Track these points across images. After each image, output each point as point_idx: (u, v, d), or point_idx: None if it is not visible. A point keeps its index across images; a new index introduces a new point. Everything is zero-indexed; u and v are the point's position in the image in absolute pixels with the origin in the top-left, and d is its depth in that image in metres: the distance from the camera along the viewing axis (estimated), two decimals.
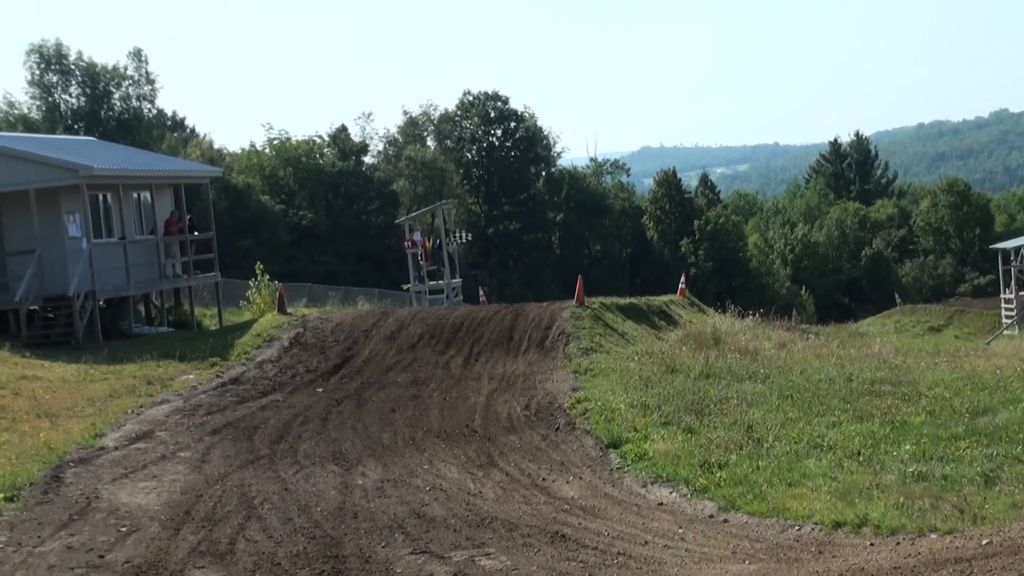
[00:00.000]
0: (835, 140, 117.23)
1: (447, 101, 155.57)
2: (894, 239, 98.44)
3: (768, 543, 10.35)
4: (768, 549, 10.10)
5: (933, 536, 9.78)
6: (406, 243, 40.39)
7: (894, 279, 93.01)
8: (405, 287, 41.74)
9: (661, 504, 11.99)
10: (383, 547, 10.50)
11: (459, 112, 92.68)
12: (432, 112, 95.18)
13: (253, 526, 11.36)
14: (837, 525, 10.58)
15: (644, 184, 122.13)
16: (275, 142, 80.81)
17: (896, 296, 76.83)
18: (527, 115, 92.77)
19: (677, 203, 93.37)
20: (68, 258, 27.36)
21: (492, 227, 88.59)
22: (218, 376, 21.25)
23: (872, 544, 9.86)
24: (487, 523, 11.25)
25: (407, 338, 23.76)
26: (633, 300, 29.30)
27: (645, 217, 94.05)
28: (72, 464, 14.26)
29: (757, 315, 29.58)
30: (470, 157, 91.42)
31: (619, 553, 10.08)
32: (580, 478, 13.10)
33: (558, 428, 15.72)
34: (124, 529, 11.44)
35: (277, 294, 29.15)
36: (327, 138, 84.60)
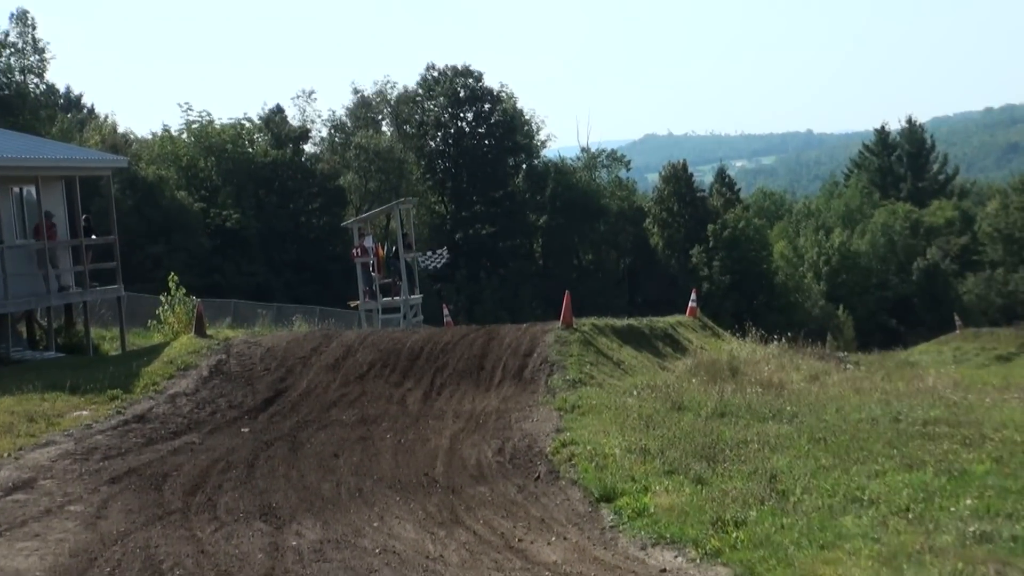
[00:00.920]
0: (882, 128, 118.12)
1: (406, 78, 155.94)
2: (954, 248, 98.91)
3: None
4: None
5: None
6: (355, 250, 40.35)
7: (953, 297, 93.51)
8: (353, 304, 41.65)
9: (664, 571, 11.95)
10: None
11: (421, 91, 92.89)
12: (388, 91, 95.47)
13: None
14: None
15: (647, 180, 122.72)
16: (194, 126, 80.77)
17: (955, 318, 77.15)
18: (504, 95, 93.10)
19: (687, 203, 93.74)
20: None
21: (460, 231, 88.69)
22: (119, 412, 21.08)
23: None
24: None
25: (354, 367, 23.64)
26: (632, 322, 29.31)
27: (648, 220, 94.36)
28: None
29: (784, 340, 29.64)
30: (434, 146, 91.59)
31: None
32: (565, 539, 13.05)
33: (538, 477, 15.66)
34: None
35: (195, 312, 29.05)
36: (258, 122, 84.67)
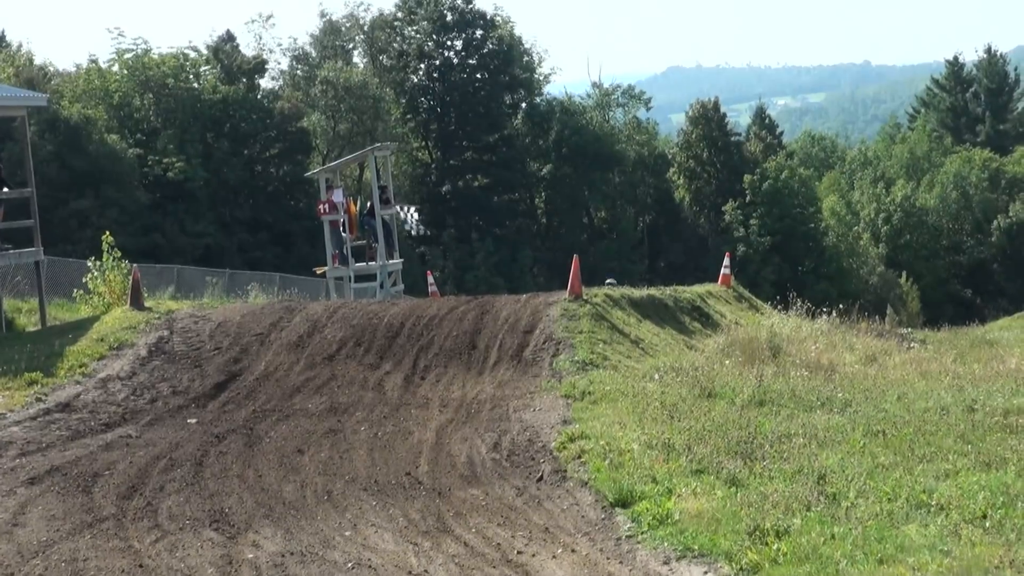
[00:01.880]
0: (955, 59, 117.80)
1: None
2: None
3: None
4: None
5: None
6: (321, 206, 40.30)
7: None
8: (319, 271, 41.66)
9: None
10: None
11: (400, 14, 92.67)
12: (361, 14, 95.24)
13: None
14: None
15: (672, 122, 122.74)
16: (127, 56, 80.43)
17: None
18: (500, 19, 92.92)
19: (719, 149, 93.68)
20: None
21: (447, 183, 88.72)
22: (39, 400, 21.11)
23: None
24: None
25: (322, 345, 23.68)
26: (654, 291, 29.36)
27: (672, 170, 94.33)
28: None
29: (835, 314, 29.68)
30: (416, 80, 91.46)
31: None
32: (573, 551, 13.10)
33: (541, 478, 15.71)
34: None
35: (131, 280, 29.06)
36: (205, 52, 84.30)
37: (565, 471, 15.81)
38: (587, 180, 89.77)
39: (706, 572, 12.36)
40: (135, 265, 31.29)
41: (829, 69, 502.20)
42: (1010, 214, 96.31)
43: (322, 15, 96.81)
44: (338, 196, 39.84)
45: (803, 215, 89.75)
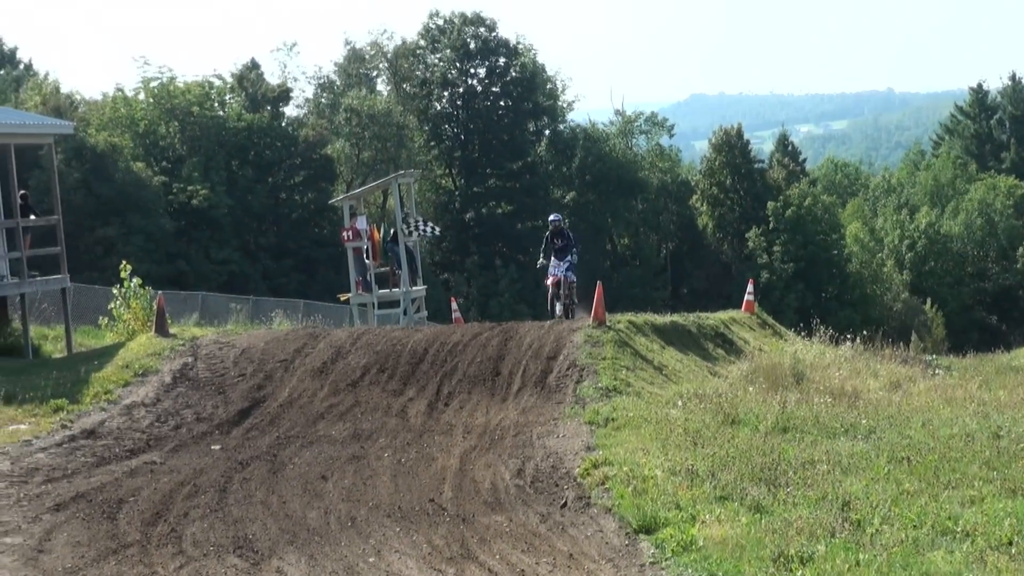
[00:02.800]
0: (979, 86, 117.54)
1: (406, 27, 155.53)
2: None
3: None
4: None
5: None
6: (345, 233, 40.35)
7: None
8: (343, 298, 41.68)
9: None
10: None
11: (423, 42, 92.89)
12: (385, 42, 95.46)
13: None
14: None
15: (695, 149, 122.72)
16: (153, 85, 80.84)
17: None
18: (522, 48, 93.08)
19: (743, 176, 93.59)
20: None
21: (471, 210, 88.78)
22: (64, 427, 21.16)
23: None
24: None
25: (345, 372, 23.67)
26: (677, 318, 29.30)
27: (695, 197, 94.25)
28: None
29: (858, 341, 29.59)
30: (439, 108, 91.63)
31: None
32: None
33: (565, 504, 15.69)
34: None
35: (155, 307, 29.11)
36: (230, 80, 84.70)
37: (589, 497, 15.79)
38: (610, 207, 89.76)
39: None
40: (159, 292, 31.36)
41: (852, 96, 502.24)
42: None
43: (346, 43, 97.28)
44: (362, 223, 39.85)
45: (826, 242, 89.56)
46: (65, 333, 32.60)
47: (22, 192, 32.87)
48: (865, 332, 31.98)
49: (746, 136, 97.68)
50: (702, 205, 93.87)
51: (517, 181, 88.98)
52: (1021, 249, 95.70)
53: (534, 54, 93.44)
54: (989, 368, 31.56)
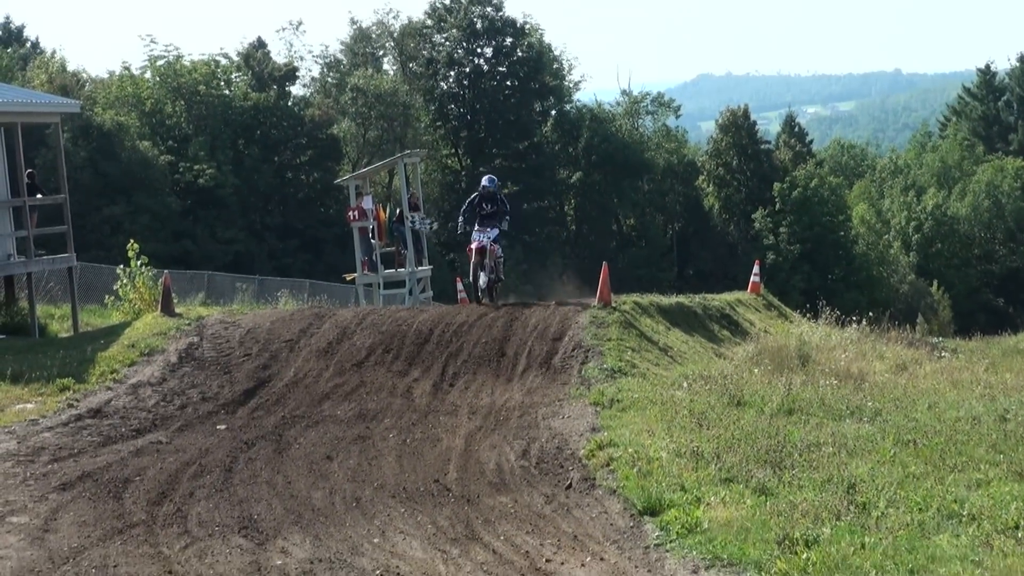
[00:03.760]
0: (987, 67, 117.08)
1: (412, 6, 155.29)
2: None
3: None
4: None
5: None
6: (351, 212, 40.37)
7: None
8: (349, 278, 41.72)
9: None
10: None
11: (430, 22, 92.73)
12: (391, 22, 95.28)
13: None
14: None
15: (701, 129, 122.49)
16: (159, 63, 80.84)
17: None
18: (529, 27, 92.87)
19: (749, 157, 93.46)
20: None
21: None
22: (71, 406, 21.19)
23: None
24: None
25: (351, 352, 23.67)
26: (682, 299, 29.28)
27: (702, 178, 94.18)
28: None
29: (864, 323, 29.59)
30: (446, 88, 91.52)
31: None
32: (601, 559, 13.07)
33: (570, 485, 15.69)
34: None
35: (161, 286, 29.14)
36: (236, 59, 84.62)
37: (594, 479, 15.79)
38: (616, 188, 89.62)
39: None
40: (166, 271, 31.40)
41: (859, 77, 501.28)
42: None
43: (352, 22, 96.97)
44: (368, 203, 39.89)
45: (833, 223, 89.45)
46: (71, 312, 32.63)
47: (29, 171, 32.92)
48: (871, 314, 32.06)
49: (753, 117, 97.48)
50: (708, 186, 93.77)
51: (523, 161, 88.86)
52: None
53: (541, 34, 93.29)
54: (996, 351, 31.60)
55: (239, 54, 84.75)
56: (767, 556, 12.45)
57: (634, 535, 13.81)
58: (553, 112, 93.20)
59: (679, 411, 18.52)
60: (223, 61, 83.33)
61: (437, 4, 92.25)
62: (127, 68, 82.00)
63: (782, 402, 19.04)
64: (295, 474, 16.62)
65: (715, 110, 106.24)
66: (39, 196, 33.09)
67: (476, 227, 27.50)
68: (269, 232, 77.36)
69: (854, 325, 29.30)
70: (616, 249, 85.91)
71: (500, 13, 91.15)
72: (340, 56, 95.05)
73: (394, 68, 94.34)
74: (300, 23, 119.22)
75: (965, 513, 13.35)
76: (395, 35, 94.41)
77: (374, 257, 39.31)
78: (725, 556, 12.70)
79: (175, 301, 28.76)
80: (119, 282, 31.89)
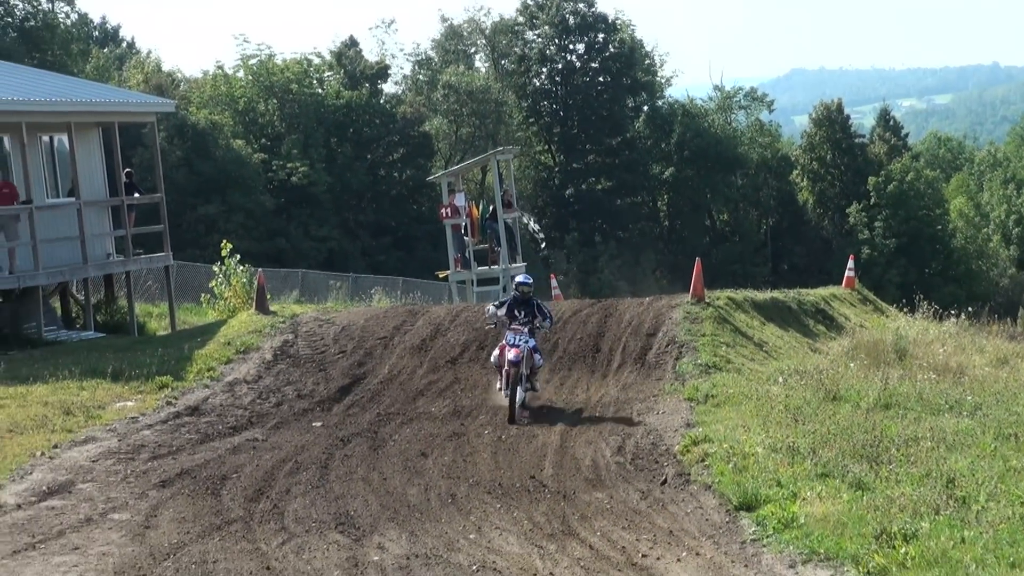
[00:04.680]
0: None
1: (505, 3, 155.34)
2: None
3: None
4: None
5: None
6: (444, 210, 40.51)
7: None
8: (442, 275, 41.89)
9: None
10: None
11: (521, 19, 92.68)
12: (482, 19, 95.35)
13: None
14: None
15: (794, 124, 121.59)
16: (252, 63, 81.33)
17: None
18: (621, 23, 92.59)
19: (843, 151, 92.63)
20: None
21: (570, 186, 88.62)
22: (169, 403, 21.43)
23: None
24: None
25: (445, 349, 23.77)
26: (777, 294, 29.16)
27: (796, 172, 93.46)
28: None
29: (963, 317, 29.31)
30: (538, 84, 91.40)
31: None
32: (697, 554, 13.06)
33: (665, 481, 15.69)
34: None
35: (255, 284, 29.35)
36: (329, 57, 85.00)
37: (689, 474, 15.78)
38: (709, 183, 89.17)
39: (832, 575, 12.28)
40: (259, 270, 31.62)
41: (956, 70, 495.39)
42: None
43: (443, 20, 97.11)
44: (460, 200, 39.99)
45: (929, 217, 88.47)
46: (169, 310, 32.95)
47: (127, 170, 33.27)
48: (970, 308, 31.73)
49: (847, 111, 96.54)
50: (802, 180, 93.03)
51: (616, 157, 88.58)
52: None
53: (632, 29, 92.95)
54: None
55: (331, 53, 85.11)
56: (864, 550, 12.40)
57: (730, 530, 13.80)
58: (645, 108, 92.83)
59: (774, 406, 18.47)
60: (315, 60, 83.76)
61: (529, 1, 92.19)
62: (220, 67, 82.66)
63: (879, 397, 18.95)
64: (390, 471, 16.72)
65: (808, 105, 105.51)
66: (136, 195, 33.41)
67: (510, 328, 20.93)
68: (362, 230, 77.67)
69: (952, 319, 29.04)
70: (709, 244, 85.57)
71: (592, 9, 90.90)
72: (431, 54, 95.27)
73: (486, 65, 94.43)
74: (392, 21, 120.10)
75: None
76: (487, 32, 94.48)
77: (467, 254, 39.41)
78: (822, 550, 12.67)
79: (269, 299, 28.98)
80: (214, 280, 32.13)
